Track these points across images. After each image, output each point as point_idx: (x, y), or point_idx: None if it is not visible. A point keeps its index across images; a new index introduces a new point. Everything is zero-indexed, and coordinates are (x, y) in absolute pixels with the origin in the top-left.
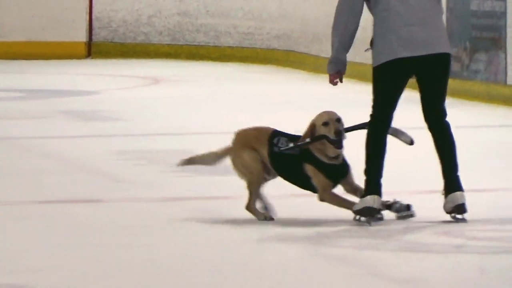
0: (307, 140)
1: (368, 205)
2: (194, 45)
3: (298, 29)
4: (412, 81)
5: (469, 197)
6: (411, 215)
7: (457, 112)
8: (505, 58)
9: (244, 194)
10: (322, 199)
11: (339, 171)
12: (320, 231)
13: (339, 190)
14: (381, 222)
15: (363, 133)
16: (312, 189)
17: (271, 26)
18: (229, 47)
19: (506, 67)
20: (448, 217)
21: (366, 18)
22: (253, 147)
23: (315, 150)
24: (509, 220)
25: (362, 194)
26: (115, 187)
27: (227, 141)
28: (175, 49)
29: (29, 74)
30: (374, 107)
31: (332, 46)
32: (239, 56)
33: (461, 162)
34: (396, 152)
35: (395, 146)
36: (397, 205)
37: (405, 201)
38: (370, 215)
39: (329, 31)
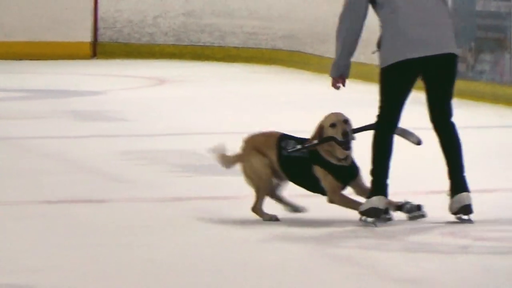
0: (315, 142)
1: (374, 205)
2: (199, 45)
3: (303, 29)
4: (418, 81)
5: (475, 198)
6: (423, 215)
7: (462, 113)
8: (510, 59)
9: (245, 194)
10: (331, 201)
11: (348, 173)
12: (325, 232)
13: (347, 192)
14: (387, 222)
15: (371, 134)
16: (322, 191)
17: (276, 27)
18: (234, 47)
19: (511, 68)
20: (454, 217)
21: (370, 18)
22: (262, 152)
23: (324, 151)
24: None
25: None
26: (117, 187)
27: (231, 141)
28: (180, 50)
29: (34, 74)
30: (381, 108)
31: (336, 50)
32: (244, 57)
33: (467, 162)
34: (402, 152)
35: (401, 147)
36: (408, 206)
37: (408, 200)
38: (375, 216)
39: (334, 31)
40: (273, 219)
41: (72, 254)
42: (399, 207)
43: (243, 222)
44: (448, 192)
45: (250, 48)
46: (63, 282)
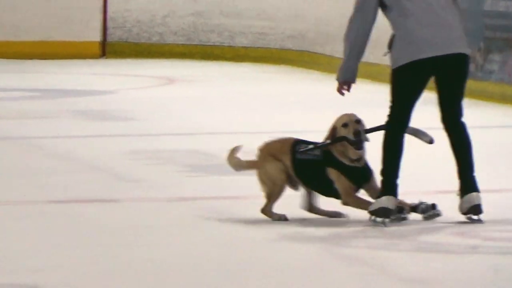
0: (327, 142)
1: (383, 205)
2: (209, 45)
3: (312, 29)
4: (430, 82)
5: (484, 198)
6: (438, 214)
7: (471, 113)
8: None
9: (253, 194)
10: (345, 203)
11: (361, 174)
12: (334, 231)
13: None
14: (395, 222)
15: (382, 134)
16: (335, 194)
17: (285, 26)
18: (243, 47)
19: None
20: (464, 217)
21: (379, 18)
22: (276, 157)
23: (337, 153)
24: None
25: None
26: (125, 186)
27: (240, 141)
28: (189, 49)
29: (43, 73)
30: (392, 108)
31: (344, 53)
32: (253, 56)
33: (475, 162)
34: (413, 152)
35: (412, 147)
36: (423, 206)
37: (422, 200)
38: (385, 215)
39: (343, 31)
40: (282, 219)
41: (79, 253)
42: (414, 208)
43: (251, 222)
44: (458, 192)
45: (259, 48)
46: (69, 281)
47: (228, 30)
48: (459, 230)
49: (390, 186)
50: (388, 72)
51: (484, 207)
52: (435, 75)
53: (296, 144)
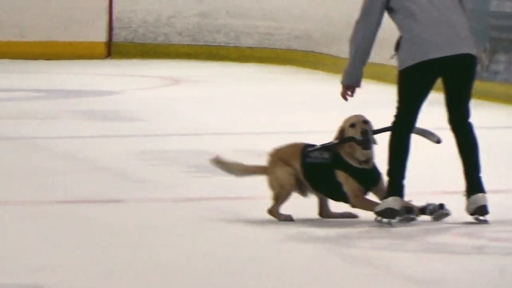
0: (335, 142)
1: (389, 206)
2: (214, 45)
3: (318, 29)
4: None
5: (491, 198)
6: (447, 214)
7: (476, 113)
8: None
9: (259, 194)
10: (354, 205)
11: (369, 176)
12: (340, 232)
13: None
14: (404, 223)
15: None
16: (345, 198)
17: (291, 27)
18: (249, 47)
19: None
20: (470, 218)
21: (385, 19)
22: (286, 162)
23: (345, 154)
24: None
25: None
26: (131, 187)
27: (245, 142)
28: (195, 50)
29: (49, 74)
30: (398, 108)
31: (349, 57)
32: (258, 57)
33: (482, 163)
34: (419, 153)
35: (418, 147)
36: (431, 207)
37: (429, 201)
38: (391, 216)
39: (348, 31)
40: (288, 219)
41: (83, 254)
42: (422, 210)
43: (257, 223)
44: (464, 193)
45: (264, 48)
46: (72, 282)
47: (234, 31)
48: (465, 231)
49: (396, 186)
50: (393, 72)
51: (490, 208)
52: (442, 76)
53: (306, 148)
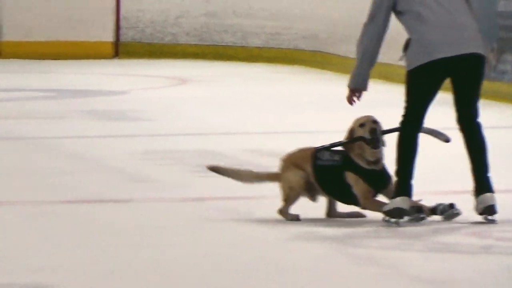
0: (344, 141)
1: (397, 206)
2: (222, 45)
3: (325, 29)
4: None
5: (499, 198)
6: (457, 213)
7: (484, 113)
8: None
9: (265, 194)
10: (364, 207)
11: (379, 178)
12: (347, 231)
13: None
14: (414, 222)
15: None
16: (355, 201)
17: (298, 27)
18: (256, 47)
19: None
20: (478, 217)
21: (392, 18)
22: (298, 166)
23: (355, 155)
24: None
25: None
26: (136, 187)
27: (253, 141)
28: (202, 50)
29: (56, 74)
30: (406, 108)
31: (356, 60)
32: (266, 57)
33: (490, 162)
34: (428, 152)
35: (426, 147)
36: (441, 207)
37: (438, 201)
38: (399, 216)
39: (356, 31)
40: (295, 219)
41: (88, 254)
42: (433, 210)
43: (263, 222)
44: (473, 193)
45: (272, 48)
46: (77, 282)
47: (241, 31)
48: (472, 230)
49: (404, 186)
50: (400, 72)
51: (498, 208)
52: (450, 76)
53: (317, 152)
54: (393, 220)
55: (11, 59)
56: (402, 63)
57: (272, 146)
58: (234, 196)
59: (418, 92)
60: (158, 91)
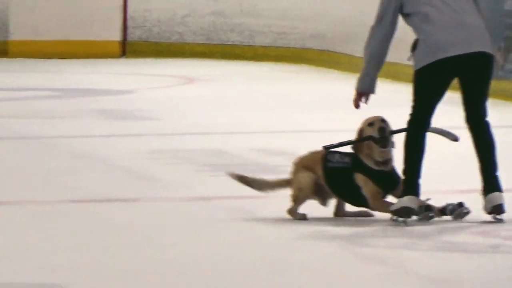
0: (353, 139)
1: (405, 205)
2: (229, 44)
3: (332, 28)
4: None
5: (506, 197)
6: (467, 212)
7: (490, 112)
8: None
9: (273, 194)
10: (373, 208)
11: (388, 179)
12: (355, 230)
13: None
14: (424, 221)
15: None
16: (365, 203)
17: (305, 26)
18: (263, 46)
19: None
20: (486, 217)
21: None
22: (309, 169)
23: (364, 156)
24: None
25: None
26: (144, 186)
27: (260, 140)
28: (209, 49)
29: (63, 73)
30: (414, 107)
31: (363, 63)
32: (273, 56)
33: (498, 161)
34: (435, 152)
35: (434, 146)
36: (450, 207)
37: (445, 200)
38: (407, 215)
39: (363, 30)
40: (303, 218)
41: (97, 253)
42: (442, 210)
43: (271, 221)
44: (481, 192)
45: (279, 47)
46: (90, 281)
47: (248, 30)
48: (480, 230)
49: (412, 186)
50: (407, 72)
51: (506, 207)
52: (458, 75)
53: (328, 155)
54: (401, 219)
55: (18, 58)
56: (410, 62)
57: (279, 145)
58: (241, 196)
59: (425, 92)
60: (165, 90)
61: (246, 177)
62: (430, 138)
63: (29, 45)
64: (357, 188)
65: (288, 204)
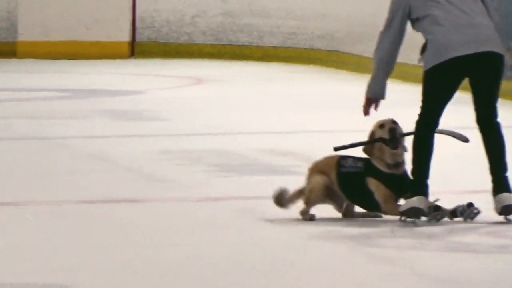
0: (364, 141)
1: (414, 205)
2: (238, 45)
3: (341, 29)
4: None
5: None
6: (477, 212)
7: (500, 113)
8: None
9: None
10: (385, 211)
11: (399, 182)
12: (363, 231)
13: None
14: (433, 222)
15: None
16: (378, 207)
17: (314, 26)
18: (272, 47)
19: None
20: (493, 217)
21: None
22: (323, 172)
23: (375, 160)
24: None
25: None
26: (154, 186)
27: (268, 141)
28: (218, 49)
29: (72, 73)
30: (422, 107)
31: (373, 69)
32: (282, 56)
33: (508, 162)
34: (443, 152)
35: (441, 146)
36: (460, 208)
37: (455, 201)
38: (416, 216)
39: (372, 30)
40: (310, 218)
41: (110, 254)
42: (453, 213)
43: (279, 222)
44: (492, 193)
45: (288, 48)
46: (100, 281)
47: (257, 30)
48: (488, 230)
49: (420, 186)
50: (417, 72)
51: None
52: (467, 75)
53: (342, 160)
54: (410, 220)
55: (27, 59)
56: (420, 64)
57: (288, 146)
58: (250, 196)
59: (434, 92)
60: (174, 91)
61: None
62: (439, 139)
63: (38, 46)
64: (369, 193)
65: (298, 205)
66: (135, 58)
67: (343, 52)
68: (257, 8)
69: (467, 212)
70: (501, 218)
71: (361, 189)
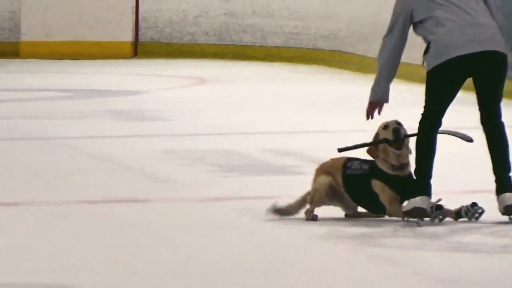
0: (368, 142)
1: (417, 205)
2: (241, 45)
3: (344, 29)
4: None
5: None
6: (482, 212)
7: (504, 113)
8: None
9: (286, 194)
10: (390, 213)
11: (404, 184)
12: (366, 231)
13: None
14: (433, 222)
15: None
16: (383, 209)
17: (317, 26)
18: (275, 47)
19: None
20: (499, 217)
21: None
22: (329, 173)
23: (380, 162)
24: None
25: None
26: (157, 187)
27: (272, 141)
28: (221, 49)
29: (75, 74)
30: (425, 107)
31: (376, 73)
32: (285, 56)
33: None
34: (446, 152)
35: (442, 146)
36: (464, 209)
37: (456, 200)
38: (419, 215)
39: (375, 31)
40: (314, 218)
41: (110, 254)
42: (458, 214)
43: (282, 222)
44: (495, 192)
45: (291, 48)
46: (100, 281)
47: (260, 30)
48: (490, 230)
49: (423, 186)
50: (420, 72)
51: None
52: (470, 75)
53: (348, 162)
54: (413, 219)
55: (30, 59)
56: (424, 65)
57: (291, 146)
58: (253, 196)
59: (437, 92)
60: (177, 91)
61: (282, 208)
62: (442, 139)
63: (41, 46)
64: (374, 195)
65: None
66: (138, 58)
67: (346, 52)
68: (260, 8)
69: (472, 211)
70: (504, 218)
71: (366, 191)
